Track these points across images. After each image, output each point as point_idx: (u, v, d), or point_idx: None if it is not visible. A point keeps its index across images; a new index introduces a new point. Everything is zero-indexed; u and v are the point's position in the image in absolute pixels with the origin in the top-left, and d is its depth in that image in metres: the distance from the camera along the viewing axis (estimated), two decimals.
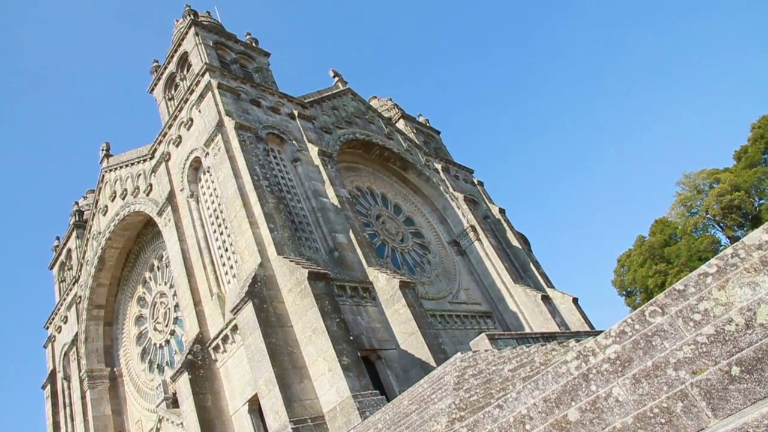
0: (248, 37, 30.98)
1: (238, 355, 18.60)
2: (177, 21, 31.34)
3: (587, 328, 26.93)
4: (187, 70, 27.44)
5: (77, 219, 34.93)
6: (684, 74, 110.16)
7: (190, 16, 28.39)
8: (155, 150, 26.90)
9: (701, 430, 3.33)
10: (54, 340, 34.03)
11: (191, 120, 24.29)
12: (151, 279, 29.84)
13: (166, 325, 27.63)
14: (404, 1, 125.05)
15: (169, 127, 25.96)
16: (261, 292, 17.33)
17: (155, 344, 28.25)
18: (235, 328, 18.70)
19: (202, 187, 23.48)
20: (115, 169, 30.76)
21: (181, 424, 20.07)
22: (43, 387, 32.81)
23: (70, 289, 32.71)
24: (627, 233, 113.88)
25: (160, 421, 22.94)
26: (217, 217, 22.00)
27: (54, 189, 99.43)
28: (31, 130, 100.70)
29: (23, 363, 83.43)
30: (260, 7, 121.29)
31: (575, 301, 29.53)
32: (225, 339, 19.50)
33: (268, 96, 26.03)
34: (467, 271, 30.71)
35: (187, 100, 24.94)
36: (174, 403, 22.10)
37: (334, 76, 35.43)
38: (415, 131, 38.25)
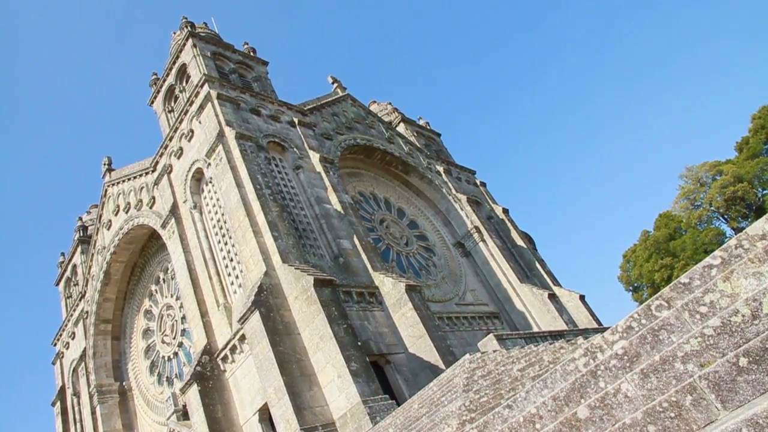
0: (246, 46, 31.09)
1: (247, 364, 18.59)
2: (174, 33, 31.48)
3: (595, 325, 26.82)
4: (186, 82, 27.55)
5: (81, 234, 35.06)
6: (683, 67, 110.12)
7: (187, 27, 28.53)
8: (157, 162, 26.99)
9: (711, 422, 3.31)
10: (62, 357, 34.09)
11: (192, 131, 24.37)
12: (157, 292, 29.88)
13: (174, 338, 27.64)
14: (400, 5, 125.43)
15: (170, 139, 26.05)
16: (267, 301, 17.34)
17: (163, 357, 28.26)
18: (242, 338, 18.70)
19: (205, 197, 23.54)
20: (118, 183, 30.87)
21: None
22: (53, 404, 32.83)
23: (77, 305, 32.78)
24: (631, 228, 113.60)
25: None
26: (221, 228, 22.04)
27: (57, 205, 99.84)
28: (32, 146, 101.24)
29: (32, 380, 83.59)
30: (257, 16, 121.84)
31: (582, 298, 29.42)
32: (233, 349, 19.50)
33: (268, 104, 26.10)
34: (473, 272, 30.65)
35: (187, 111, 25.03)
36: (184, 415, 22.09)
37: (333, 83, 35.51)
38: (415, 134, 38.27)
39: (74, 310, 33.10)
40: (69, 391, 31.92)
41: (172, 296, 28.36)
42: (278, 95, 28.09)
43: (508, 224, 34.56)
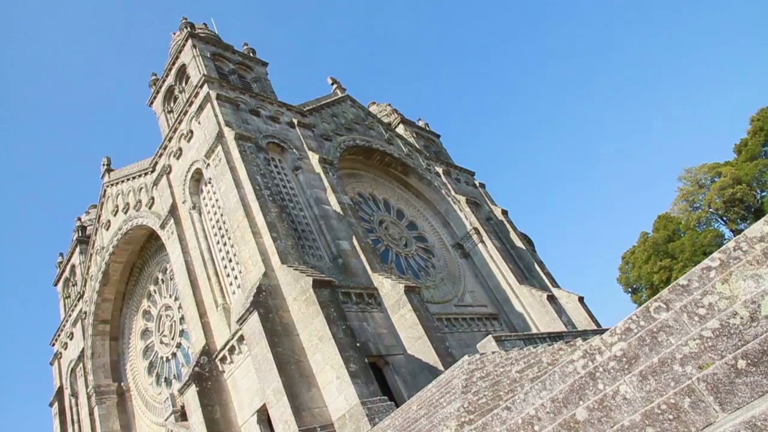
0: (245, 47, 31.09)
1: (246, 365, 18.58)
2: (174, 34, 31.49)
3: (594, 327, 26.82)
4: (186, 83, 27.54)
5: (80, 234, 35.02)
6: (682, 68, 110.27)
7: (187, 28, 28.54)
8: (156, 163, 26.98)
9: (709, 424, 3.31)
10: (60, 357, 34.03)
11: (191, 132, 24.36)
12: (155, 292, 29.85)
13: (173, 338, 27.61)
14: (400, 6, 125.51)
15: (170, 140, 26.04)
16: (266, 302, 17.32)
17: (162, 357, 28.23)
18: (241, 339, 18.69)
19: (204, 198, 23.52)
20: (117, 183, 30.85)
21: None
22: (51, 404, 32.75)
23: (75, 305, 32.74)
24: (630, 230, 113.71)
25: None
26: (220, 228, 22.03)
27: (56, 205, 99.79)
28: (31, 146, 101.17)
29: (30, 380, 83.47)
30: (257, 17, 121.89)
31: (581, 299, 29.42)
32: (232, 350, 19.49)
33: (267, 105, 26.10)
34: (472, 273, 30.65)
35: (187, 112, 25.02)
36: (183, 416, 22.06)
37: (332, 83, 35.51)
38: (415, 135, 38.27)
39: (72, 311, 33.05)
40: (67, 392, 31.85)
41: (170, 297, 28.34)
42: (278, 96, 28.08)
43: (507, 225, 34.57)
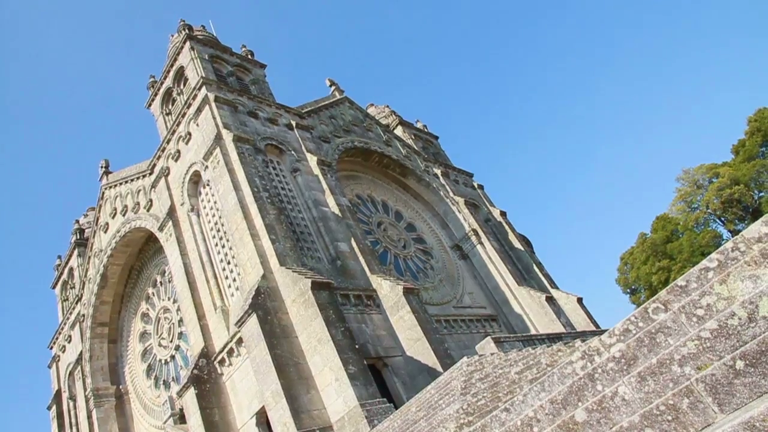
0: (243, 49, 31.09)
1: (244, 368, 18.55)
2: (172, 36, 31.47)
3: (593, 328, 26.84)
4: (184, 85, 27.52)
5: (78, 237, 34.95)
6: (679, 69, 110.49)
7: (185, 30, 28.51)
8: (154, 165, 26.94)
9: (708, 425, 3.31)
10: (58, 360, 33.95)
11: (189, 134, 24.34)
12: (154, 295, 29.79)
13: (171, 341, 27.56)
14: (398, 8, 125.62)
15: (168, 142, 26.02)
16: (265, 304, 17.30)
17: (160, 360, 28.16)
18: (240, 341, 18.66)
19: (202, 200, 23.50)
20: (115, 185, 30.80)
21: None
22: (49, 407, 32.67)
23: (73, 308, 32.66)
24: (629, 231, 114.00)
25: None
26: (218, 231, 22.00)
27: (54, 207, 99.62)
28: (30, 149, 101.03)
29: (28, 383, 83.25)
30: (255, 19, 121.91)
31: (580, 300, 29.45)
32: (230, 352, 19.45)
33: (266, 107, 26.09)
34: (471, 275, 30.65)
35: (185, 114, 25.00)
36: (181, 418, 22.01)
37: (330, 85, 35.52)
38: (413, 137, 38.29)
39: (71, 314, 32.97)
40: (65, 395, 31.76)
41: (169, 299, 28.28)
42: (276, 98, 28.08)
43: (506, 227, 34.59)
